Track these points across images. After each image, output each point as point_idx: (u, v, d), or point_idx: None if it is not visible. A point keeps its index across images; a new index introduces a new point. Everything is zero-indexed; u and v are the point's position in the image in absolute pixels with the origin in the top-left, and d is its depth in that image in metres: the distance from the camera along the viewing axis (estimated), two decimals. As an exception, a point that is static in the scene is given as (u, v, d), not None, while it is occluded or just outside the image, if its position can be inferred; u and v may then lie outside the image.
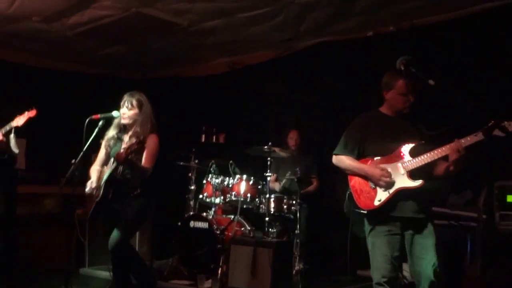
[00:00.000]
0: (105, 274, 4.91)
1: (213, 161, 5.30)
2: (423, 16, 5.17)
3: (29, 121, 4.44)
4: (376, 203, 3.08)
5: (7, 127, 4.42)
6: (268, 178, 4.84)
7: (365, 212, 3.16)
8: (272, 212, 4.79)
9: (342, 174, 5.75)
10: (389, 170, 3.09)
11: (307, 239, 5.03)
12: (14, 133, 4.45)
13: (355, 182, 3.22)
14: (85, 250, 5.53)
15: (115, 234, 3.65)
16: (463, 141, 2.90)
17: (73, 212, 5.09)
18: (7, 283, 4.68)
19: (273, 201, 4.83)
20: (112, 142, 3.81)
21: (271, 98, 6.41)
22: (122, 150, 3.54)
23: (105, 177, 3.67)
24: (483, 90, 4.58)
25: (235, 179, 5.03)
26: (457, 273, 4.06)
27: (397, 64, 3.14)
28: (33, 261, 5.56)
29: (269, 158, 4.88)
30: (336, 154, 3.31)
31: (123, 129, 3.82)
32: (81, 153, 3.55)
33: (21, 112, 4.43)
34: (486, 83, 4.63)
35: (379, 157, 3.15)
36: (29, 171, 5.81)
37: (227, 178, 5.11)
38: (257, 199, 4.96)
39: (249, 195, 4.94)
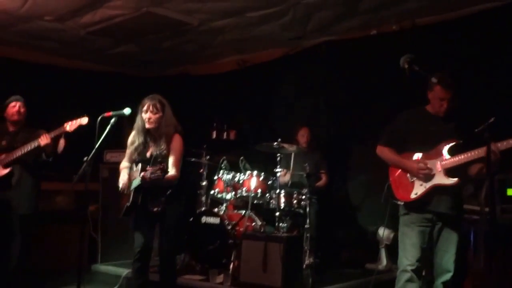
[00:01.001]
0: (117, 270, 5.00)
1: (224, 157, 5.36)
2: (425, 16, 5.27)
3: (79, 128, 4.47)
4: (413, 196, 3.26)
5: (57, 132, 4.49)
6: (278, 174, 4.88)
7: (402, 203, 3.35)
8: (282, 207, 4.83)
9: (353, 171, 5.84)
10: (428, 165, 3.23)
11: (317, 233, 5.06)
12: (64, 138, 4.52)
13: (394, 174, 3.40)
14: (97, 247, 5.62)
15: (164, 243, 3.78)
16: (499, 144, 3.01)
17: (85, 209, 5.19)
18: (20, 280, 4.76)
19: (283, 196, 4.87)
20: (135, 146, 3.84)
21: (279, 95, 6.47)
22: (146, 173, 3.54)
23: (133, 185, 3.71)
24: (484, 89, 4.66)
25: (246, 175, 5.08)
26: (461, 265, 4.15)
27: (401, 62, 3.26)
28: (46, 257, 5.65)
29: (278, 154, 4.92)
30: (380, 145, 3.48)
31: (147, 132, 3.82)
32: (93, 150, 3.58)
33: (72, 118, 4.46)
34: (487, 82, 4.70)
35: (419, 153, 3.31)
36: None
37: (238, 174, 5.16)
38: (267, 195, 5.01)
39: (259, 190, 4.99)
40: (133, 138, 3.87)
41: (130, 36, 6.06)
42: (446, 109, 3.28)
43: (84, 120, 4.44)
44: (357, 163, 5.73)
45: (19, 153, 4.54)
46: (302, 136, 5.57)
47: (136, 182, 3.68)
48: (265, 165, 5.35)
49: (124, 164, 3.94)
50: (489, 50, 4.78)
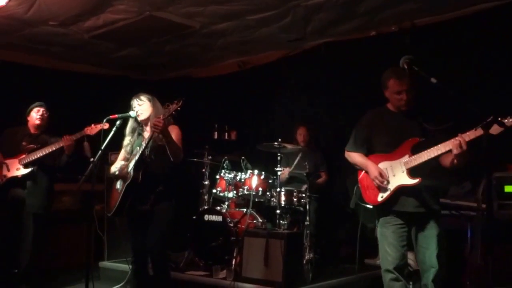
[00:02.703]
0: (123, 266, 5.08)
1: (226, 157, 5.48)
2: (424, 16, 5.32)
3: (100, 132, 4.62)
4: (379, 199, 3.28)
5: (78, 135, 4.66)
6: (279, 173, 4.98)
7: (371, 207, 3.37)
8: (283, 205, 4.93)
9: (351, 169, 5.92)
10: (391, 167, 3.25)
11: (316, 230, 5.18)
12: (87, 141, 4.67)
13: (362, 177, 3.42)
14: (103, 245, 5.72)
15: (152, 241, 3.71)
16: (464, 136, 2.98)
17: (91, 208, 5.32)
18: (31, 278, 4.90)
19: (284, 194, 4.98)
20: (129, 147, 3.88)
21: (280, 96, 6.57)
22: (157, 120, 3.49)
23: (132, 163, 3.71)
24: (483, 88, 4.70)
25: (247, 174, 5.20)
26: (459, 261, 4.22)
27: (401, 63, 3.19)
28: (53, 256, 5.78)
29: (279, 154, 5.02)
30: (347, 150, 3.52)
31: (140, 127, 3.90)
32: (100, 151, 3.63)
33: (95, 122, 4.61)
34: (486, 81, 4.74)
35: (385, 154, 3.31)
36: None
37: (240, 173, 5.28)
38: (268, 193, 5.12)
39: (260, 189, 5.11)
40: (126, 141, 3.91)
41: (133, 39, 6.16)
42: (406, 101, 3.24)
43: (105, 126, 4.56)
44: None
45: (40, 154, 4.71)
46: (300, 135, 5.67)
47: (135, 159, 3.67)
48: (266, 164, 5.46)
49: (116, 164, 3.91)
50: (488, 50, 4.81)
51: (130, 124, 3.91)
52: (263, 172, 5.20)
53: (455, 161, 3.08)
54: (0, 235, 4.85)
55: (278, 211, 4.83)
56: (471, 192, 4.34)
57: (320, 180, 5.56)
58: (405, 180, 3.19)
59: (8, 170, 4.77)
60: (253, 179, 5.15)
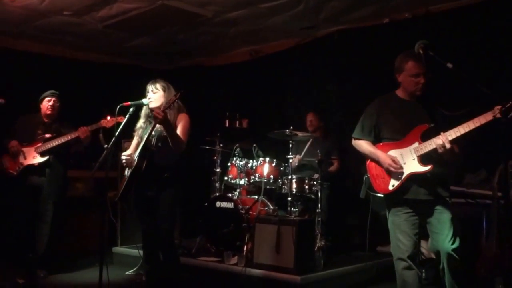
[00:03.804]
0: (136, 252, 5.10)
1: (237, 144, 5.50)
2: (438, 3, 5.25)
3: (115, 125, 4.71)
4: (390, 187, 3.23)
5: (94, 126, 4.79)
6: (290, 160, 4.99)
7: (382, 195, 3.33)
8: (294, 192, 4.92)
9: (364, 158, 5.92)
10: (401, 155, 3.19)
11: (328, 217, 5.19)
12: (102, 132, 4.72)
13: (372, 167, 3.36)
14: (116, 231, 5.80)
15: (159, 227, 3.73)
16: (448, 134, 2.97)
17: (105, 195, 5.39)
18: (46, 263, 5.01)
19: (295, 181, 4.96)
20: (141, 131, 3.91)
21: (291, 84, 6.57)
22: (157, 111, 3.50)
23: (138, 150, 3.74)
24: (499, 75, 4.63)
25: (259, 162, 5.22)
26: (474, 249, 4.19)
27: (416, 48, 3.17)
28: (67, 241, 5.87)
29: (290, 141, 5.02)
30: (354, 138, 3.45)
31: (151, 115, 3.90)
32: (113, 138, 3.63)
33: (111, 115, 4.72)
34: (503, 68, 4.67)
35: (393, 142, 3.26)
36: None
37: (251, 160, 5.31)
38: (279, 180, 5.12)
39: (272, 176, 5.12)
40: (138, 124, 3.94)
41: (146, 29, 6.19)
42: (423, 85, 3.19)
43: (121, 119, 4.63)
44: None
45: (56, 143, 4.83)
46: (309, 121, 5.68)
47: (141, 146, 3.71)
48: (277, 152, 5.48)
49: (126, 153, 3.93)
50: (503, 36, 4.74)
51: (144, 108, 3.94)
52: (274, 160, 5.21)
53: (455, 149, 3.06)
54: (18, 221, 4.96)
55: (289, 199, 4.84)
56: (486, 180, 4.30)
57: (332, 167, 5.56)
58: (417, 167, 3.14)
59: (25, 158, 4.89)
60: (264, 167, 5.16)
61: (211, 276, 4.70)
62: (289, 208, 4.81)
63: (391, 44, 5.48)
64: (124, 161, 3.85)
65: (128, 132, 3.98)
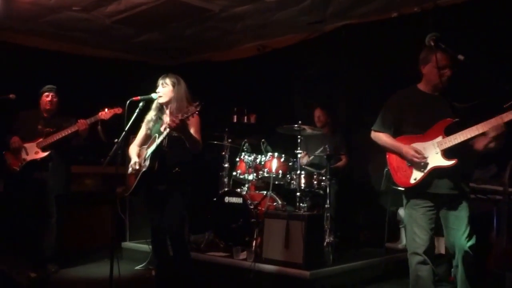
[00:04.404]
0: (145, 247, 5.16)
1: (245, 140, 5.50)
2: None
3: (114, 117, 4.79)
4: (412, 181, 3.18)
5: (93, 119, 4.82)
6: (299, 155, 4.98)
7: (403, 189, 3.29)
8: (302, 188, 4.92)
9: (372, 153, 5.91)
10: (423, 149, 3.15)
11: (337, 213, 5.18)
12: (101, 125, 4.80)
13: (392, 159, 3.31)
14: (125, 226, 5.83)
15: (169, 222, 3.72)
16: (503, 117, 2.90)
17: (114, 190, 5.42)
18: (55, 258, 5.05)
19: (304, 177, 4.96)
20: (151, 124, 3.91)
21: (299, 79, 6.56)
22: (173, 119, 3.49)
23: (150, 150, 3.74)
24: (507, 68, 4.59)
25: (267, 157, 5.20)
26: (485, 245, 4.18)
27: (427, 40, 3.15)
28: (76, 236, 5.92)
29: (299, 136, 5.01)
30: (374, 130, 3.42)
31: (161, 110, 3.92)
32: (123, 133, 3.66)
33: (108, 107, 4.79)
34: (510, 61, 4.63)
35: (415, 135, 3.22)
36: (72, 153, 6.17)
37: (260, 155, 5.29)
38: (288, 175, 5.11)
39: (280, 171, 5.10)
40: (149, 116, 3.93)
41: (154, 24, 6.20)
42: (449, 76, 3.15)
43: (119, 110, 4.74)
44: (377, 145, 5.80)
45: (57, 137, 4.85)
46: (316, 116, 5.67)
47: (153, 147, 3.71)
48: (286, 147, 5.47)
49: (133, 147, 3.95)
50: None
51: (156, 101, 3.93)
52: (283, 155, 5.20)
53: (491, 144, 3.02)
54: (25, 216, 4.99)
55: (298, 194, 4.83)
56: (496, 175, 4.27)
57: (340, 163, 5.55)
58: (440, 161, 3.11)
59: (27, 154, 4.91)
60: (273, 162, 5.15)
61: (220, 271, 4.71)
62: (297, 204, 4.81)
63: (399, 38, 5.48)
64: (130, 170, 3.85)
65: (137, 127, 3.97)
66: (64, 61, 6.72)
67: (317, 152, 5.27)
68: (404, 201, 3.33)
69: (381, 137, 3.37)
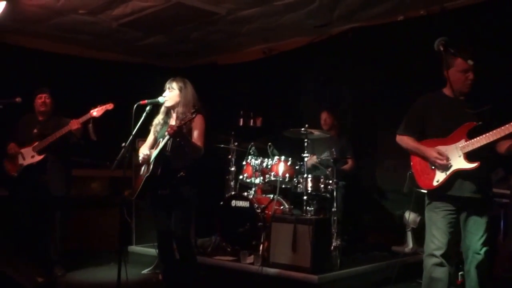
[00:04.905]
0: (151, 251, 5.14)
1: (252, 143, 5.49)
2: (453, 0, 5.21)
3: (105, 113, 4.78)
4: (435, 183, 3.23)
5: (84, 117, 4.80)
6: (306, 159, 4.97)
7: (425, 191, 3.34)
8: (309, 191, 4.91)
9: (379, 156, 5.90)
10: (446, 152, 3.19)
11: (343, 217, 5.16)
12: (92, 123, 4.79)
13: (416, 162, 3.36)
14: (131, 229, 5.83)
15: (175, 226, 3.73)
16: None
17: (121, 194, 5.42)
18: (61, 262, 5.05)
19: (311, 180, 4.95)
20: (159, 128, 3.91)
21: (305, 83, 6.55)
22: (171, 126, 3.55)
23: (154, 155, 3.76)
24: None
25: (274, 160, 5.19)
26: (492, 248, 4.17)
27: (436, 45, 3.20)
28: (82, 240, 5.93)
29: (305, 140, 5.00)
30: (398, 134, 3.47)
31: (168, 114, 3.92)
32: (131, 136, 3.63)
33: (99, 104, 4.79)
34: None
35: (438, 138, 3.27)
36: (78, 156, 6.16)
37: (266, 159, 5.28)
38: (295, 179, 5.10)
39: (287, 175, 5.08)
40: (157, 120, 3.93)
41: (160, 27, 6.20)
42: (472, 80, 3.20)
43: (110, 106, 4.75)
44: (383, 148, 5.80)
45: (51, 139, 4.85)
46: (323, 119, 5.66)
47: (157, 151, 3.72)
48: (292, 150, 5.47)
49: (143, 149, 3.93)
50: None
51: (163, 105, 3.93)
52: (289, 158, 5.19)
53: None
54: (29, 221, 4.98)
55: (305, 198, 4.82)
56: (504, 179, 4.28)
57: (346, 166, 5.54)
58: (462, 164, 3.14)
59: (24, 159, 4.92)
60: (279, 165, 5.14)
61: (227, 275, 4.71)
62: (304, 207, 4.79)
63: (405, 41, 5.49)
64: (141, 158, 3.84)
65: (144, 131, 3.95)
66: (70, 64, 6.72)
67: (323, 156, 5.26)
68: (426, 203, 3.37)
69: (405, 141, 3.43)
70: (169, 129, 3.55)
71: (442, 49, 3.17)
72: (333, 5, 5.47)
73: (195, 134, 3.74)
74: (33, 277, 4.66)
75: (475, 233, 3.20)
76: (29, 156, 4.90)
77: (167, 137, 3.66)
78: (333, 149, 5.10)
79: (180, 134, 3.57)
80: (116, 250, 3.57)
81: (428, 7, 5.40)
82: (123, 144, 3.66)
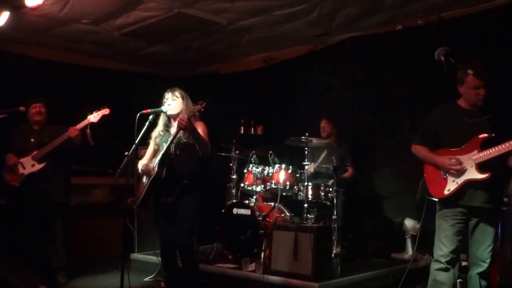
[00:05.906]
0: (153, 259, 5.21)
1: (253, 151, 5.54)
2: (451, 9, 5.29)
3: (103, 118, 4.83)
4: (446, 192, 3.31)
5: (82, 124, 4.84)
6: (306, 167, 5.01)
7: (437, 199, 3.42)
8: (310, 199, 4.96)
9: (379, 164, 5.93)
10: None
11: (344, 224, 5.20)
12: (90, 128, 4.83)
13: (428, 171, 3.45)
14: (134, 237, 5.85)
15: (178, 234, 3.76)
16: None
17: (125, 202, 5.46)
18: (64, 269, 5.08)
19: (311, 188, 5.01)
20: (159, 139, 3.93)
21: (305, 91, 6.60)
22: (182, 118, 3.56)
23: (158, 158, 3.76)
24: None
25: (275, 168, 5.24)
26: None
27: (436, 55, 3.28)
28: (84, 247, 5.97)
29: (306, 148, 5.05)
30: (414, 144, 3.55)
31: (168, 125, 3.94)
32: (134, 145, 3.67)
33: (95, 110, 4.83)
34: None
35: (452, 149, 3.34)
36: (81, 164, 6.21)
37: (267, 167, 5.33)
38: (295, 187, 5.15)
39: (288, 183, 5.14)
40: (156, 132, 3.94)
41: (162, 36, 6.25)
42: (484, 96, 3.28)
43: (106, 111, 4.82)
44: (383, 156, 5.85)
45: (50, 147, 4.88)
46: (322, 128, 5.70)
47: (161, 154, 3.73)
48: (292, 158, 5.51)
49: (142, 162, 3.93)
50: None
51: (162, 117, 3.96)
52: (290, 166, 5.24)
53: None
54: (32, 228, 4.99)
55: (305, 205, 4.87)
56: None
57: (346, 174, 5.57)
58: (474, 174, 3.22)
59: (24, 168, 4.92)
60: (280, 173, 5.19)
61: (229, 283, 4.73)
62: (305, 215, 4.83)
63: (404, 50, 5.56)
64: (140, 170, 3.88)
65: (146, 140, 3.99)
66: (73, 73, 6.77)
67: (322, 163, 5.30)
68: (437, 209, 3.45)
69: (420, 150, 3.50)
70: (180, 121, 3.58)
71: (443, 59, 3.25)
72: (332, 15, 5.54)
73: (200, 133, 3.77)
74: (37, 285, 4.70)
75: (483, 242, 3.30)
76: (29, 165, 4.91)
77: (172, 137, 3.71)
78: (333, 157, 5.14)
79: (191, 127, 3.61)
80: (119, 258, 3.60)
81: (426, 16, 5.47)
82: (126, 153, 3.69)
